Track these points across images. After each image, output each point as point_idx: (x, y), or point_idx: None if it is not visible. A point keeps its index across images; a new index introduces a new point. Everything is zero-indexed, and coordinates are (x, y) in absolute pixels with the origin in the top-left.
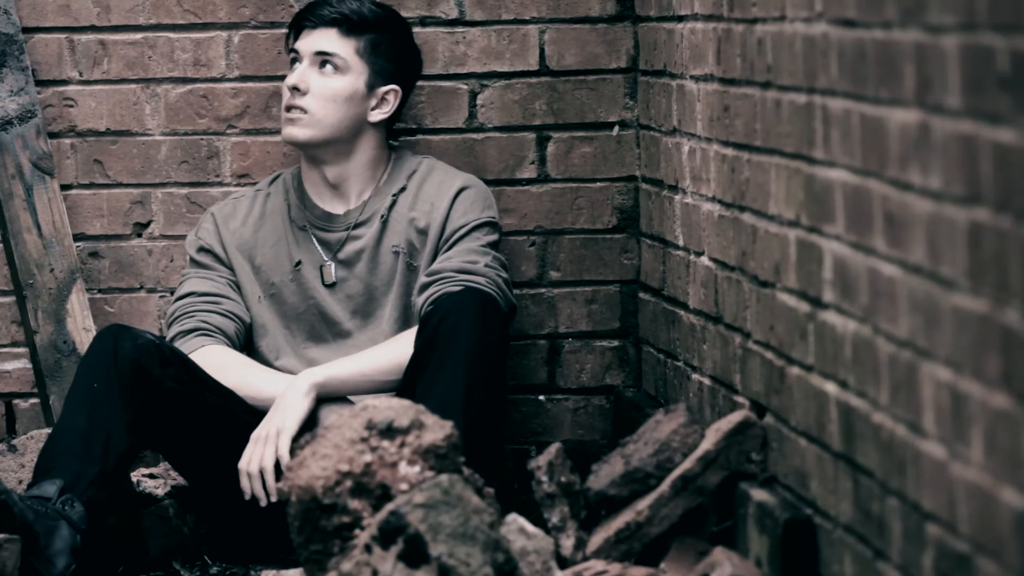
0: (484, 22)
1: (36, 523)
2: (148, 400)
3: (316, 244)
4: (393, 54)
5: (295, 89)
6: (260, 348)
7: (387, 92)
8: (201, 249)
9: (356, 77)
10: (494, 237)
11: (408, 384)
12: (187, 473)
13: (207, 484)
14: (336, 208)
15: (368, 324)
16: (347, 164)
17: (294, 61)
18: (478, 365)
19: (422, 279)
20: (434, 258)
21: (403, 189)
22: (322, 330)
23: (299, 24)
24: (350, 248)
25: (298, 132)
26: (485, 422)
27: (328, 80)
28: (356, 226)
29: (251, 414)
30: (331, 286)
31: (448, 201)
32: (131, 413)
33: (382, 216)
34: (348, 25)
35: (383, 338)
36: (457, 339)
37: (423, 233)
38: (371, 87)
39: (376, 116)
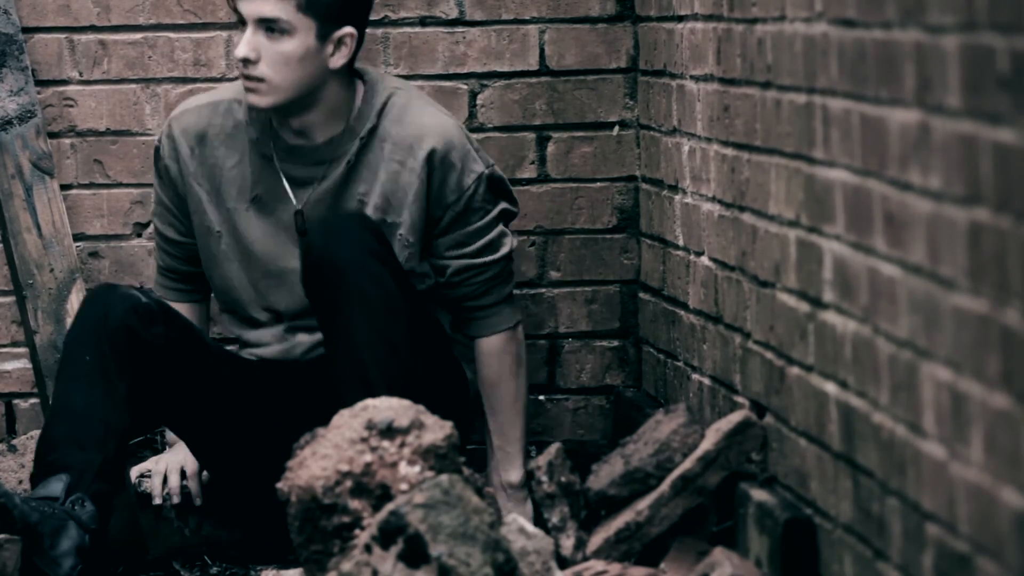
0: (484, 22)
1: (41, 524)
2: (142, 365)
3: (283, 178)
4: None
5: (246, 60)
6: (212, 279)
7: (342, 36)
8: (159, 175)
9: (305, 34)
10: (499, 205)
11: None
12: (187, 436)
13: (206, 448)
14: (304, 142)
15: None
16: (311, 113)
17: (240, 23)
18: (374, 300)
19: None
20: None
21: (373, 130)
22: (271, 265)
23: None
24: (318, 187)
25: (260, 100)
26: (400, 346)
27: (277, 44)
28: (325, 163)
29: (241, 367)
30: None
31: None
32: (127, 382)
33: (348, 161)
34: None
35: None
36: (351, 288)
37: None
38: (323, 37)
39: (338, 62)
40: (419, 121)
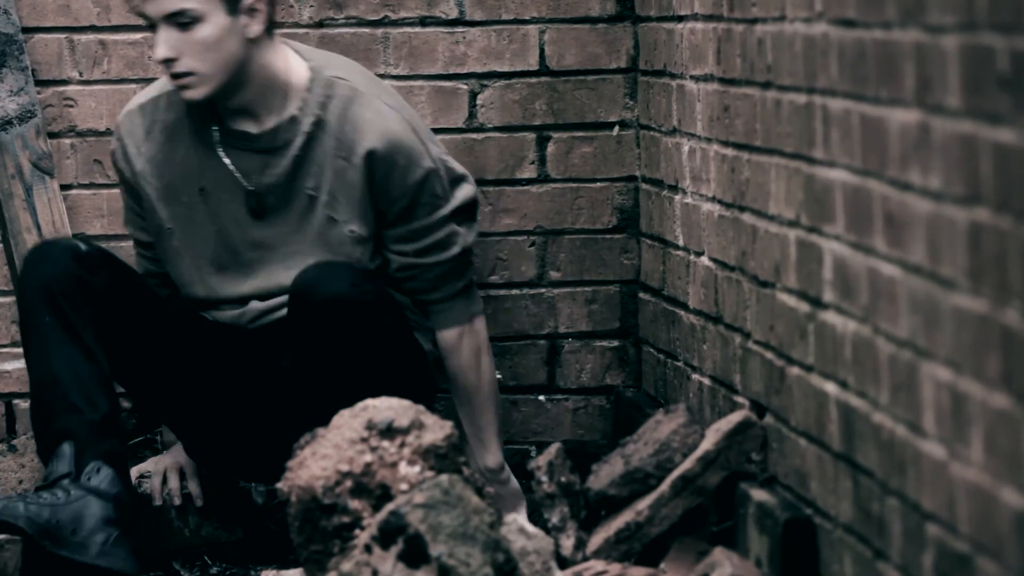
0: (484, 22)
1: (54, 517)
2: (96, 311)
3: (228, 165)
4: None
5: (168, 60)
6: (169, 274)
7: (251, 3)
8: (120, 180)
9: (215, 15)
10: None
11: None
12: (142, 388)
13: (160, 397)
14: (248, 127)
15: (272, 258)
16: (247, 90)
17: (150, 26)
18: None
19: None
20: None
21: (317, 123)
22: (224, 258)
23: None
24: (264, 179)
25: (195, 93)
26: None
27: (192, 35)
28: (270, 151)
29: (191, 318)
30: (262, 219)
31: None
32: (92, 328)
33: (296, 155)
34: None
35: (282, 274)
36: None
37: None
38: (233, 11)
39: (255, 30)
40: (361, 117)
